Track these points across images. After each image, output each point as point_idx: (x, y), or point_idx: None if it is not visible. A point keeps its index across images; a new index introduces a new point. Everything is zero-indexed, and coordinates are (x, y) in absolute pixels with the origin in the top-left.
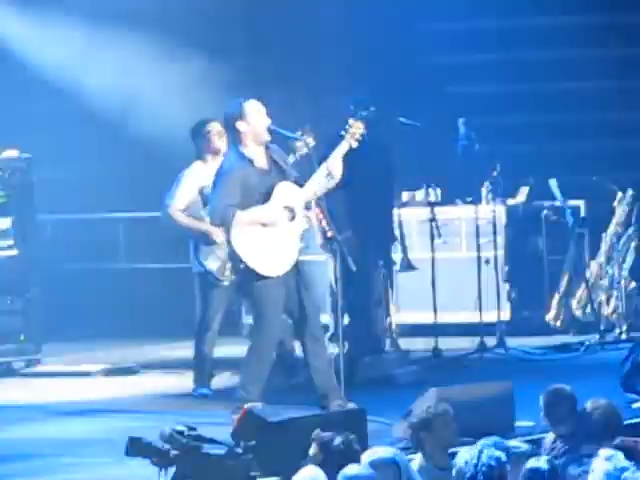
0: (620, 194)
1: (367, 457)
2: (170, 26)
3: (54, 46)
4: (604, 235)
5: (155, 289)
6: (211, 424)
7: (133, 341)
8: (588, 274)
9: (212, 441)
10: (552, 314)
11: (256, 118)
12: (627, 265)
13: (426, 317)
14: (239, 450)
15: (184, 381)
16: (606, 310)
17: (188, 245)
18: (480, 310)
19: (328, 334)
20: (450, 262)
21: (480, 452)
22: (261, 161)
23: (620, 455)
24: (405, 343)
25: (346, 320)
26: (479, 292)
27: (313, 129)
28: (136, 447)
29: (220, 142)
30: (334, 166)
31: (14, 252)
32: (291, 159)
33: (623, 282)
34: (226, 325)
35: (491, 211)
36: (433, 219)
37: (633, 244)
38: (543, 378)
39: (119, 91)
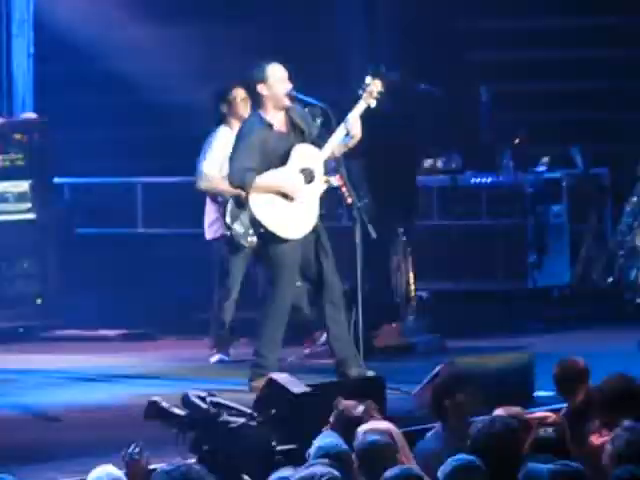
0: None
1: (363, 430)
2: None
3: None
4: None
5: (172, 254)
6: (229, 391)
7: (150, 307)
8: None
9: (232, 408)
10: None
11: (278, 83)
12: None
13: (446, 285)
14: (260, 419)
15: (202, 348)
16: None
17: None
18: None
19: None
20: (465, 228)
21: (493, 420)
22: (280, 125)
23: None
24: (424, 311)
25: (366, 287)
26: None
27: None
28: (155, 410)
29: (245, 108)
30: (353, 125)
31: (32, 216)
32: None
33: None
34: (244, 294)
35: (513, 179)
36: (454, 187)
37: None
38: None
39: (136, 56)
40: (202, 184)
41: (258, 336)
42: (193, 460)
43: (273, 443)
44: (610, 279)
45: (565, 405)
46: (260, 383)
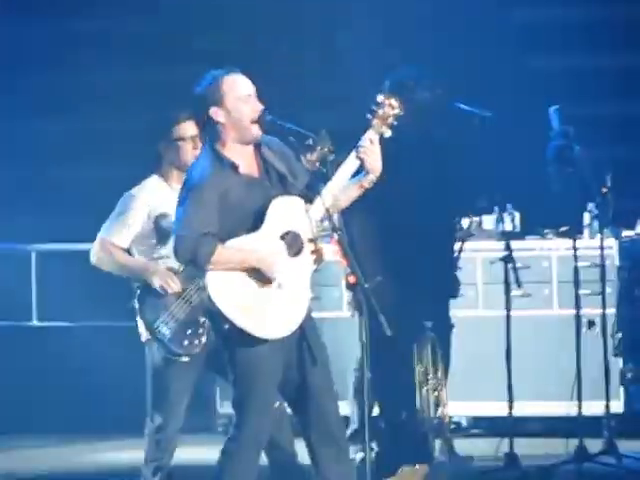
0: None
1: None
2: None
3: None
4: None
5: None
6: None
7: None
8: None
9: None
10: None
11: (240, 102)
12: None
13: (495, 407)
14: None
15: None
16: None
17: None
18: (579, 399)
19: (350, 430)
20: (534, 323)
21: None
22: (249, 166)
23: None
24: (464, 446)
25: (376, 410)
26: (578, 370)
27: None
28: None
29: (195, 152)
30: (368, 153)
31: None
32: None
33: None
34: (194, 417)
35: (598, 248)
36: (509, 258)
37: None
38: None
39: None
40: (94, 257)
41: None
42: None
43: None
44: None
45: None
46: None
